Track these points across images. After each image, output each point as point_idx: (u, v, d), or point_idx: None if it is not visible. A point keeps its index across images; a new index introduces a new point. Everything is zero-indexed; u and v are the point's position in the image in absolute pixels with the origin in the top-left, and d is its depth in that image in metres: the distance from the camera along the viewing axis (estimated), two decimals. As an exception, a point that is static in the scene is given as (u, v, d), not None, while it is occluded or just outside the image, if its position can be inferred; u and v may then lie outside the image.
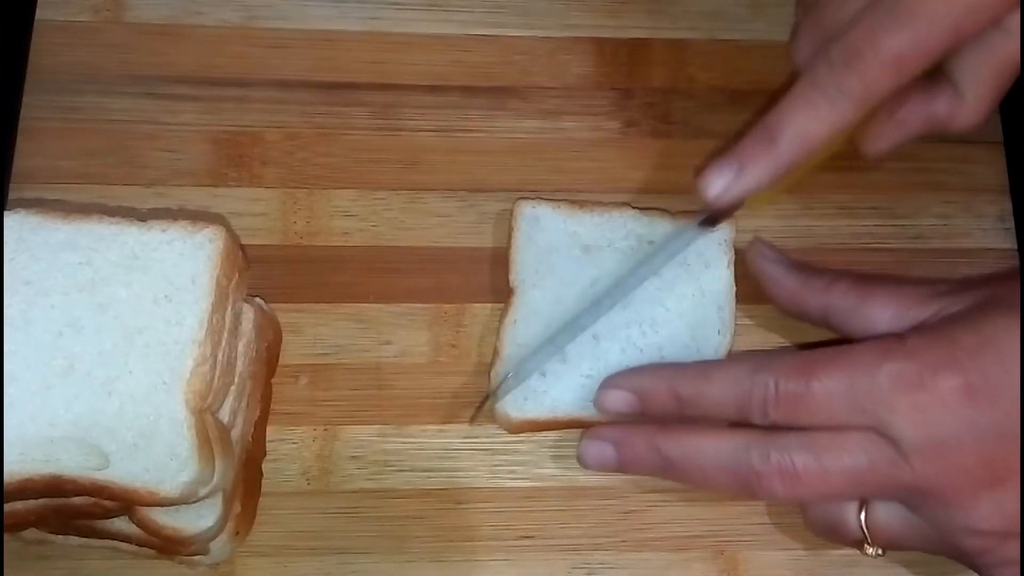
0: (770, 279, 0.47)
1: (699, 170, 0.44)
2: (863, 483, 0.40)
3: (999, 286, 0.42)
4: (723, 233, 0.49)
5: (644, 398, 0.44)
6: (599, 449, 0.45)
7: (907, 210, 0.52)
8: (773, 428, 0.41)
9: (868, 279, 0.45)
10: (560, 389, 0.47)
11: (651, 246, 0.49)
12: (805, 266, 0.47)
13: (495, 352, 0.47)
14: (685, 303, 0.48)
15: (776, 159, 0.42)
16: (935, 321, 0.42)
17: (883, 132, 0.46)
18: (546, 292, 0.48)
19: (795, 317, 0.47)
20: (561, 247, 0.49)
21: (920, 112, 0.45)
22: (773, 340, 0.50)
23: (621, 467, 0.45)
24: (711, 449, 0.42)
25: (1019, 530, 0.40)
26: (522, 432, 0.47)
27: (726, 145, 0.44)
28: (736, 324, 0.49)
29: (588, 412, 0.46)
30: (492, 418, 0.47)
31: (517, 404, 0.46)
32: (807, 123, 0.42)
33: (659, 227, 0.49)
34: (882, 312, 0.43)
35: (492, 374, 0.47)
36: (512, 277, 0.48)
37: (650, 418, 0.45)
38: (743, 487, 0.42)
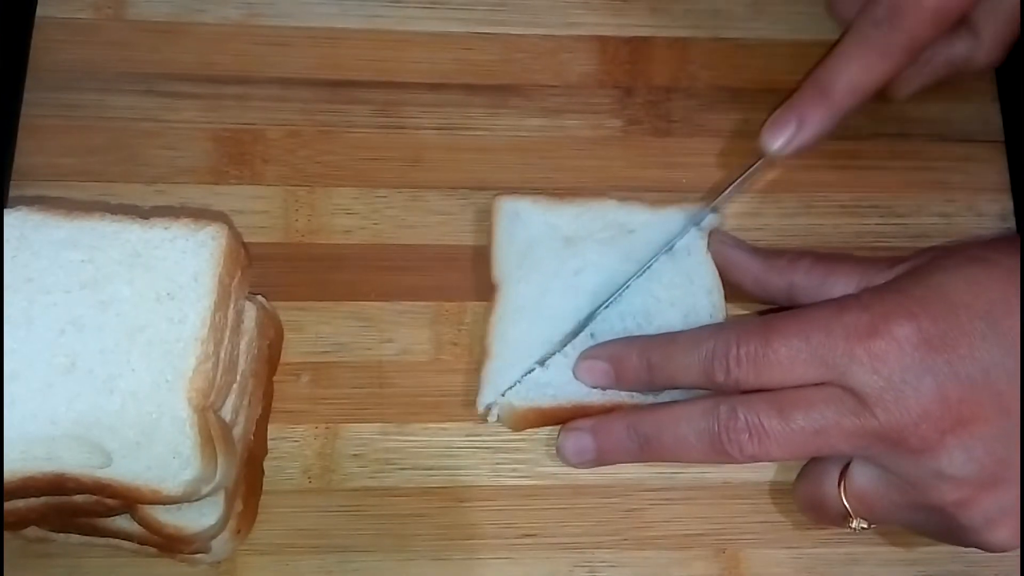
0: (735, 265, 0.48)
1: (761, 126, 0.49)
2: (830, 437, 0.41)
3: (946, 247, 0.45)
4: (706, 220, 0.49)
5: (617, 366, 0.46)
6: (577, 439, 0.46)
7: (909, 209, 0.53)
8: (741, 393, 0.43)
9: (830, 256, 0.46)
10: (562, 379, 0.47)
11: (632, 235, 0.49)
12: (766, 250, 0.48)
13: (484, 350, 0.47)
14: (675, 291, 0.48)
15: (831, 110, 0.47)
16: (887, 281, 0.43)
17: (909, 76, 0.50)
18: (531, 286, 0.48)
19: (762, 300, 0.48)
20: (542, 240, 0.49)
21: (942, 54, 0.49)
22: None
23: (599, 455, 0.46)
24: (683, 416, 0.44)
25: (996, 480, 0.40)
26: (525, 427, 0.47)
27: (782, 102, 0.49)
28: (727, 316, 0.49)
29: (589, 399, 0.46)
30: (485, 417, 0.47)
31: (520, 394, 0.46)
32: (859, 76, 0.47)
33: (638, 216, 0.50)
34: (846, 285, 0.44)
35: (483, 372, 0.47)
36: (495, 273, 0.48)
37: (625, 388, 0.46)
38: (716, 448, 0.42)
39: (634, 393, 0.47)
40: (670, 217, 0.49)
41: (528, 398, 0.46)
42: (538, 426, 0.47)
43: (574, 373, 0.47)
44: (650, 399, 0.47)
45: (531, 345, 0.47)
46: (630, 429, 0.45)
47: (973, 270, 0.41)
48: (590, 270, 0.48)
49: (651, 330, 0.48)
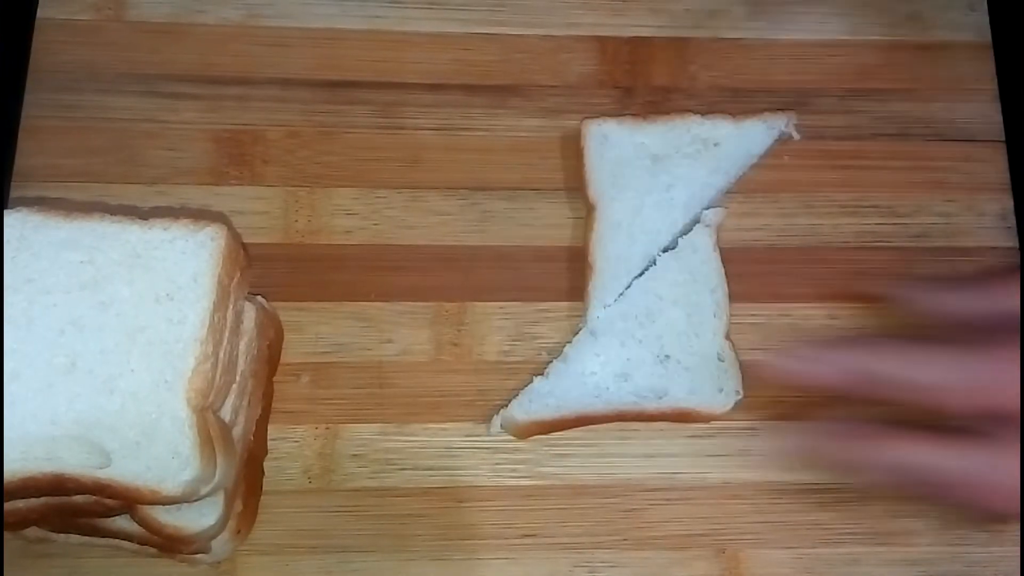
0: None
1: None
2: None
3: None
4: (711, 216, 0.50)
5: (843, 370, 0.41)
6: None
7: (909, 208, 0.52)
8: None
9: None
10: (564, 388, 0.47)
11: (717, 148, 0.51)
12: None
13: (589, 268, 0.48)
14: (678, 290, 0.49)
15: None
16: None
17: None
18: (625, 204, 0.50)
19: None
20: (632, 159, 0.50)
21: None
22: (772, 340, 0.50)
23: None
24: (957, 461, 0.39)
25: None
26: (530, 436, 0.47)
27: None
28: (737, 324, 0.49)
29: (593, 408, 0.47)
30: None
31: (523, 407, 0.46)
32: None
33: (722, 128, 0.51)
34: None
35: (588, 287, 0.48)
36: (590, 194, 0.50)
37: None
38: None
39: (639, 399, 0.47)
40: (754, 128, 0.51)
41: (531, 411, 0.46)
42: (542, 434, 0.47)
43: (784, 366, 0.42)
44: (652, 404, 0.47)
45: (631, 259, 0.49)
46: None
47: None
48: (680, 184, 0.50)
49: (653, 329, 0.48)
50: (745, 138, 0.51)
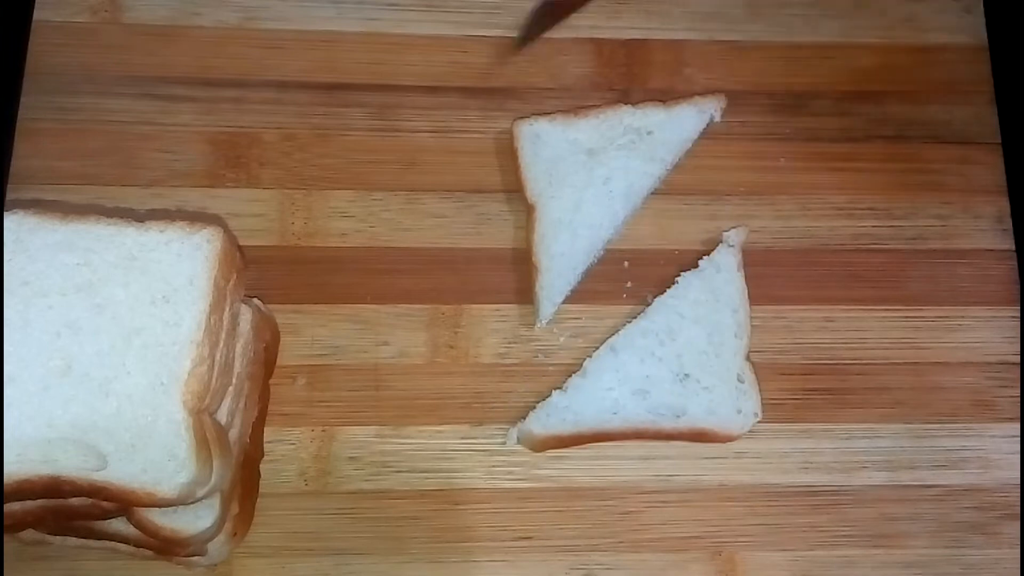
0: None
1: None
2: None
3: None
4: (734, 236, 0.50)
5: None
6: None
7: (905, 211, 0.52)
8: None
9: None
10: (581, 403, 0.47)
11: (650, 136, 0.51)
12: None
13: (535, 268, 0.49)
14: (700, 309, 0.48)
15: None
16: None
17: None
18: (564, 200, 0.50)
19: None
20: (566, 156, 0.50)
21: None
22: (774, 341, 0.50)
23: None
24: None
25: None
26: (547, 450, 0.47)
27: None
28: (751, 335, 0.49)
29: (611, 424, 0.47)
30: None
31: (541, 421, 0.46)
32: None
33: (653, 116, 0.51)
34: None
35: (536, 288, 0.48)
36: (528, 195, 0.50)
37: None
38: None
39: (657, 417, 0.47)
40: (684, 113, 0.51)
41: (548, 425, 0.46)
42: (559, 448, 0.47)
43: None
44: (670, 422, 0.47)
45: (575, 255, 0.49)
46: None
47: None
48: (617, 176, 0.50)
49: (673, 347, 0.48)
50: (677, 124, 0.51)
